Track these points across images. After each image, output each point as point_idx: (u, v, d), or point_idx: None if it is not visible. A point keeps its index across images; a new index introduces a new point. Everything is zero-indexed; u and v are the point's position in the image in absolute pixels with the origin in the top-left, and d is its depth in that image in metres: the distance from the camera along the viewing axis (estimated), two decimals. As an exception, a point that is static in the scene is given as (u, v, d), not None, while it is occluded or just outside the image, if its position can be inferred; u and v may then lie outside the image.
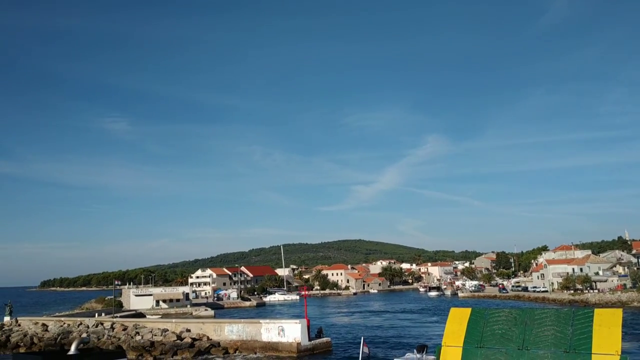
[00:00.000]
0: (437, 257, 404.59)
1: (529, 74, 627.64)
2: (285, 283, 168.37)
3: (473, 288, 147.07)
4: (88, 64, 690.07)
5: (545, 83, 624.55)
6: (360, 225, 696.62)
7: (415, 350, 19.46)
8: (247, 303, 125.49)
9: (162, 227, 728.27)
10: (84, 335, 53.80)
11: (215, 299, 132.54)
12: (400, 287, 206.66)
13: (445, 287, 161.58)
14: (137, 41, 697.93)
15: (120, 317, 73.20)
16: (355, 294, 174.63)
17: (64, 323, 59.59)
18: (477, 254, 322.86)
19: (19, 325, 62.77)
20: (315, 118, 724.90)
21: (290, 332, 47.76)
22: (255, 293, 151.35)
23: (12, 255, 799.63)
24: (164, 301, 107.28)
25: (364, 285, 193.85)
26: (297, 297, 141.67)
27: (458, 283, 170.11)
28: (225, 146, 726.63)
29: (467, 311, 18.77)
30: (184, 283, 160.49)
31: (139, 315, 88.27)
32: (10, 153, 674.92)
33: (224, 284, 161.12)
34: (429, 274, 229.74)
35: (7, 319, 68.22)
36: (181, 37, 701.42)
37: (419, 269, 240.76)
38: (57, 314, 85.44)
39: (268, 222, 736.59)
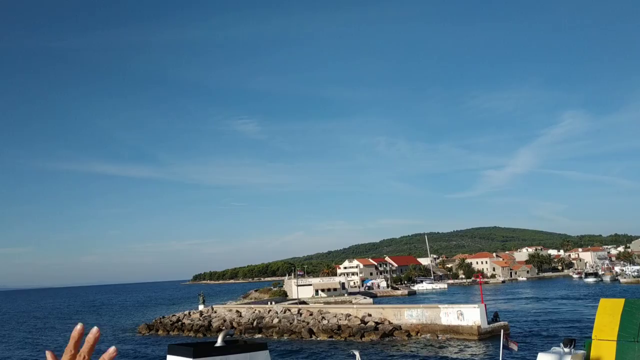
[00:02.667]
0: (583, 242, 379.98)
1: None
2: (431, 272, 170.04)
3: (636, 273, 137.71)
4: (218, 71, 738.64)
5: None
6: (493, 211, 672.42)
7: (562, 344, 17.98)
8: (399, 292, 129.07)
9: (294, 221, 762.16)
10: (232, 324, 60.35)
11: (366, 288, 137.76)
12: (550, 274, 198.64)
13: (603, 272, 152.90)
14: (257, 42, 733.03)
15: (288, 304, 79.82)
16: (503, 282, 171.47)
17: (255, 310, 66.87)
18: (630, 238, 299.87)
19: (215, 312, 71.40)
20: (438, 103, 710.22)
21: (470, 316, 50.06)
22: (403, 282, 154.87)
23: (164, 253, 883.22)
24: (322, 290, 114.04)
25: (510, 273, 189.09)
26: (445, 286, 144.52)
27: (617, 269, 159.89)
28: (349, 139, 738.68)
29: (619, 302, 17.16)
30: (330, 274, 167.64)
31: (303, 303, 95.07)
32: (154, 158, 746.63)
33: (371, 273, 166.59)
34: (580, 260, 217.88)
35: (201, 307, 77.61)
36: (300, 34, 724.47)
37: (569, 255, 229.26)
38: (230, 302, 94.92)
39: (396, 212, 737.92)
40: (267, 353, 11.66)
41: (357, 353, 15.61)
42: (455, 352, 42.80)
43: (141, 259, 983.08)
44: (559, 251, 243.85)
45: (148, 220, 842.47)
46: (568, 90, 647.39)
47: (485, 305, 51.55)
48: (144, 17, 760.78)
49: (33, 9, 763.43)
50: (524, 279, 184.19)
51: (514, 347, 21.47)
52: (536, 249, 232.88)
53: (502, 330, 22.78)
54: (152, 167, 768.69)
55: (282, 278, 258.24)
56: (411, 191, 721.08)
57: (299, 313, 61.51)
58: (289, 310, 63.72)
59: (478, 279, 75.78)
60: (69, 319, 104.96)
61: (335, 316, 58.00)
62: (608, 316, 16.60)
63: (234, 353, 10.90)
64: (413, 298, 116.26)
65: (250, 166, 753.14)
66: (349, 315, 57.56)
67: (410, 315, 53.94)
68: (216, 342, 11.27)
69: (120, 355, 51.89)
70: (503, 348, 20.89)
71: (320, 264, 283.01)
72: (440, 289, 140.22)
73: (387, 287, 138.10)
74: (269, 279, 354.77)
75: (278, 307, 65.43)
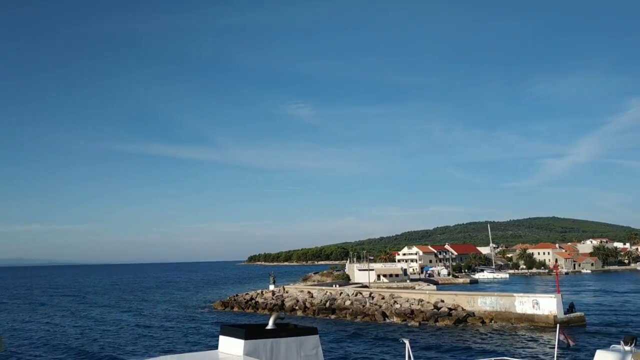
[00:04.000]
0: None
1: None
2: (493, 262, 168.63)
3: None
4: (274, 56, 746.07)
5: None
6: (551, 201, 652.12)
7: (622, 342, 16.78)
8: (460, 280, 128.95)
9: (346, 205, 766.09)
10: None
11: (427, 275, 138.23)
12: (616, 267, 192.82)
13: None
14: (313, 26, 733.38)
15: (356, 288, 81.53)
16: (566, 273, 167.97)
17: (327, 291, 69.07)
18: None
19: (287, 292, 74.13)
20: (497, 89, 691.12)
21: (546, 305, 50.26)
22: (463, 271, 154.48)
23: (219, 233, 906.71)
24: (384, 275, 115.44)
25: (574, 265, 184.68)
26: (507, 276, 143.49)
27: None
28: (404, 124, 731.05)
29: None
30: (388, 260, 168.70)
31: (365, 287, 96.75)
32: (212, 141, 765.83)
33: (430, 261, 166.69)
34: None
35: (272, 287, 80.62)
36: (356, 19, 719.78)
37: (637, 249, 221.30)
38: (292, 284, 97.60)
39: (450, 199, 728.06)
40: (317, 337, 11.80)
41: (406, 341, 15.42)
42: (530, 340, 43.30)
43: (196, 238, 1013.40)
44: (624, 244, 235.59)
45: (203, 201, 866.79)
46: (636, 75, 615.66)
47: (561, 295, 51.69)
48: (204, 2, 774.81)
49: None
50: (589, 271, 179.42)
51: (571, 342, 20.71)
52: (601, 242, 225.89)
53: (557, 325, 21.88)
54: (209, 149, 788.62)
55: (336, 262, 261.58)
56: (466, 178, 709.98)
57: (371, 296, 63.17)
58: (361, 293, 65.49)
59: (554, 270, 75.45)
60: (157, 291, 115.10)
61: (407, 301, 59.25)
62: None
63: (284, 336, 11.15)
64: (475, 287, 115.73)
65: (304, 150, 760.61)
66: (421, 300, 58.69)
67: (484, 303, 54.54)
68: (267, 324, 11.57)
69: (201, 322, 56.25)
70: (558, 344, 20.06)
71: (373, 250, 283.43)
72: (501, 278, 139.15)
73: (448, 274, 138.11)
74: (322, 262, 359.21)
75: (349, 290, 67.34)
